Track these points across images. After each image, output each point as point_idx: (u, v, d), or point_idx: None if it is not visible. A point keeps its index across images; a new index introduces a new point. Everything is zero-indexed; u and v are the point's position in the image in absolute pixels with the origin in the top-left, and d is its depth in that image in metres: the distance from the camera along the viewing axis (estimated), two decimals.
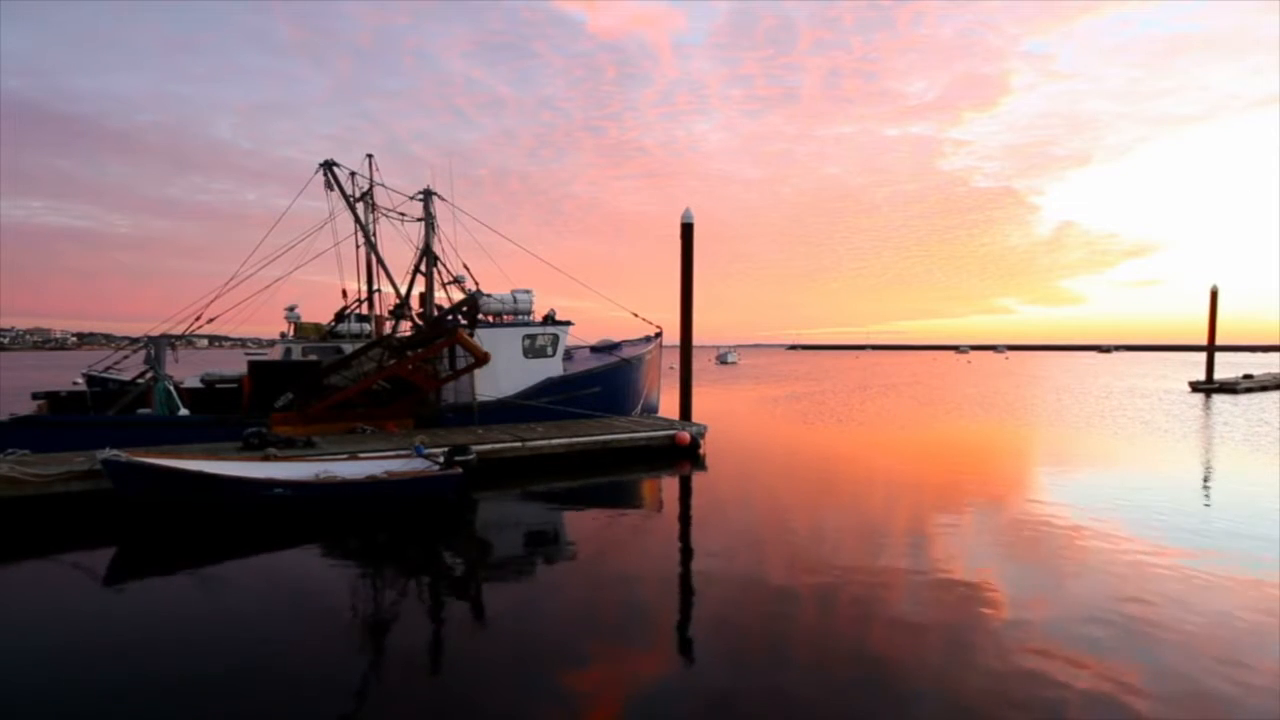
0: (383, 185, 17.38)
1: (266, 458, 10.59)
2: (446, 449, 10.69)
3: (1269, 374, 39.74)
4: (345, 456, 10.92)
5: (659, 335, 20.60)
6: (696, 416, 16.63)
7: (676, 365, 17.14)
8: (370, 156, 17.43)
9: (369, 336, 17.44)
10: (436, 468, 10.33)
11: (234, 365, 18.24)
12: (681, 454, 14.31)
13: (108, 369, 14.94)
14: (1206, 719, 4.47)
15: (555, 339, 16.29)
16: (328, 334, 18.00)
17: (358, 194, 16.57)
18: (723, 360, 76.53)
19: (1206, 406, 26.34)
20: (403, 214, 16.92)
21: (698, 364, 21.93)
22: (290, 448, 11.30)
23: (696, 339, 16.66)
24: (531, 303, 16.52)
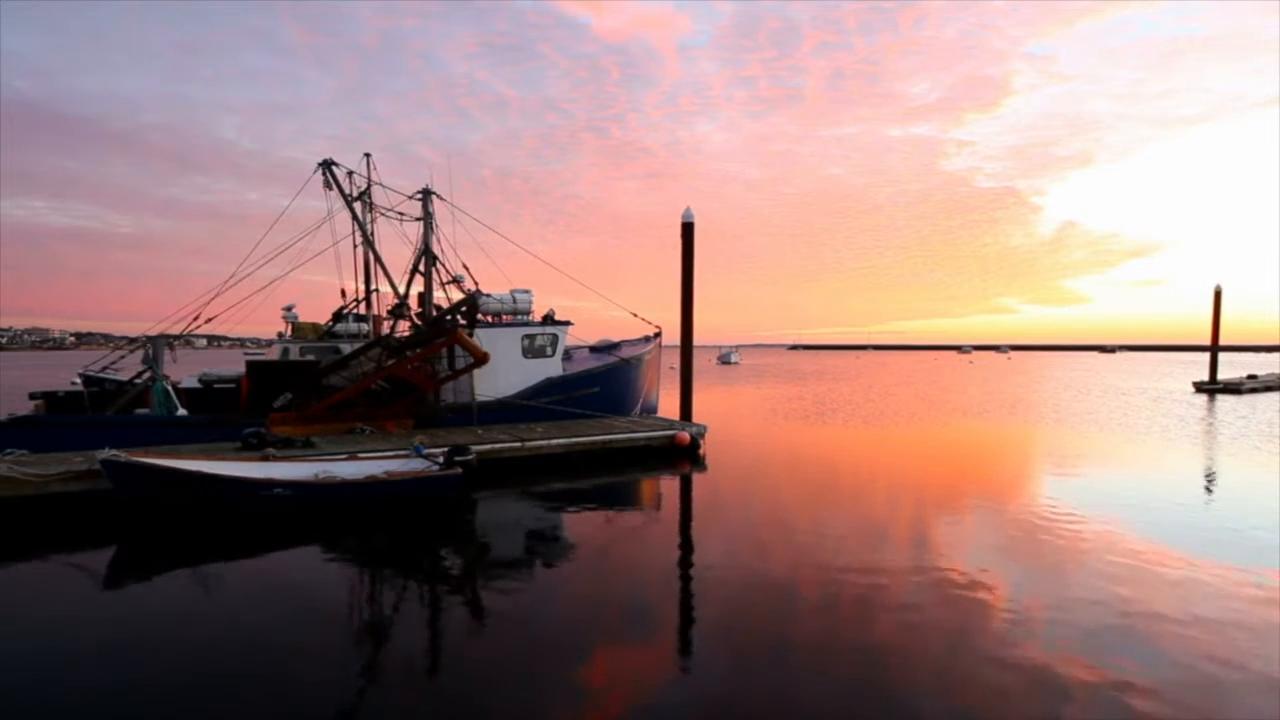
0: (380, 184, 17.37)
1: (265, 458, 10.54)
2: (446, 449, 10.65)
3: (1273, 374, 39.62)
4: (344, 457, 10.88)
5: (658, 335, 20.54)
6: (697, 417, 16.58)
7: (677, 365, 17.09)
8: (368, 155, 17.41)
9: (367, 336, 17.41)
10: (436, 468, 10.29)
11: (232, 365, 18.20)
12: (681, 454, 14.26)
13: (105, 369, 14.89)
14: (1206, 719, 4.43)
15: (555, 339, 16.24)
16: (326, 334, 17.96)
17: (356, 193, 16.54)
18: (724, 360, 76.40)
19: (1210, 407, 26.28)
20: (401, 214, 16.90)
21: (699, 364, 21.88)
22: (289, 448, 11.25)
23: (697, 339, 16.60)
24: (531, 303, 16.45)
